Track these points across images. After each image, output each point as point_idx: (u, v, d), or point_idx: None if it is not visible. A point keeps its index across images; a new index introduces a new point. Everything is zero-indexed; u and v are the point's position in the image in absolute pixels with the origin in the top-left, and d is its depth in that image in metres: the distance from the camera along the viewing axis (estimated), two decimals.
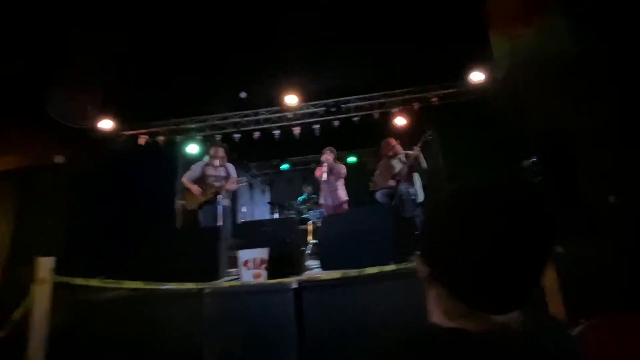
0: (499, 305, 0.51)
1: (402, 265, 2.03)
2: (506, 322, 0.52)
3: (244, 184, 4.00)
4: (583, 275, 2.29)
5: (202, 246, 2.72)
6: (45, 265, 2.08)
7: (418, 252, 0.60)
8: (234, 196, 6.31)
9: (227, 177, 4.00)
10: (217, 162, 3.96)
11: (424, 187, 4.23)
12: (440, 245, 0.55)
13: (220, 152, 4.04)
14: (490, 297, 0.51)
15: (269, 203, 7.91)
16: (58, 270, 2.09)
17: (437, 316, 0.57)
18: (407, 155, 4.18)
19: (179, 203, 5.51)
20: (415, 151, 4.01)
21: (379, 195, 4.25)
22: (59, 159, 4.36)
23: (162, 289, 2.18)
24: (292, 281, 2.08)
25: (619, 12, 3.32)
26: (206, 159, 4.12)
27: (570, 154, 3.74)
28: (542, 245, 0.52)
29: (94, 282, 2.15)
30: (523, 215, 0.51)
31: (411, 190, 3.96)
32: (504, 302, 0.51)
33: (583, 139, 3.65)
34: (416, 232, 3.90)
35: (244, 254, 2.40)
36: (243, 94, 5.25)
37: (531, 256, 0.51)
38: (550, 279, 1.89)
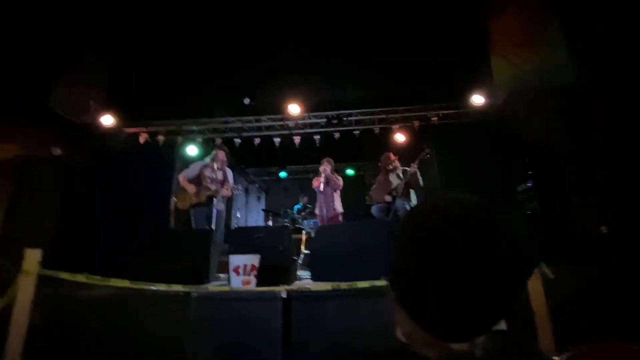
0: (456, 334, 0.48)
1: None
2: (468, 349, 0.48)
3: (239, 192, 3.97)
4: (573, 302, 2.29)
5: (193, 249, 2.69)
6: (32, 257, 2.04)
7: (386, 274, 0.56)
8: (228, 201, 6.29)
9: (223, 181, 3.97)
10: (217, 165, 3.93)
11: None
12: (399, 269, 0.52)
13: (222, 155, 4.02)
14: (447, 326, 0.48)
15: (263, 210, 7.88)
16: (45, 263, 2.06)
17: (401, 335, 0.54)
18: (404, 172, 4.22)
19: (174, 204, 5.48)
20: (413, 168, 4.04)
21: (374, 210, 4.26)
22: (56, 151, 4.34)
23: (150, 290, 2.14)
24: (282, 290, 2.05)
25: (616, 43, 3.43)
26: (207, 160, 4.10)
27: (565, 182, 3.79)
28: (505, 272, 0.46)
29: (80, 278, 2.11)
30: (483, 239, 0.46)
31: (407, 206, 3.97)
32: (462, 330, 0.48)
33: (578, 167, 3.71)
34: None
35: (234, 260, 2.38)
36: (247, 100, 5.29)
37: (492, 283, 0.46)
38: (539, 305, 1.89)
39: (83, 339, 2.26)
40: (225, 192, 3.89)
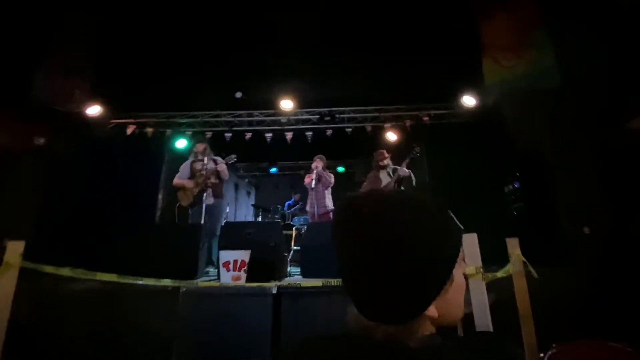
0: (385, 318, 0.52)
1: None
2: (400, 336, 0.51)
3: (233, 160, 4.00)
4: (556, 301, 2.36)
5: (181, 244, 2.66)
6: (14, 249, 1.98)
7: None
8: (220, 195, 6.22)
9: (215, 167, 4.02)
10: (199, 157, 4.02)
11: None
12: (338, 257, 0.56)
13: (201, 147, 4.08)
14: (372, 308, 0.52)
15: (253, 206, 7.83)
16: (27, 255, 1.99)
17: (349, 320, 0.58)
18: (394, 170, 4.25)
19: (162, 198, 5.39)
20: (404, 169, 4.06)
21: None
22: (39, 141, 4.20)
23: (137, 284, 2.11)
24: (272, 286, 2.05)
25: (602, 47, 3.52)
26: (191, 157, 4.15)
27: (550, 183, 3.89)
28: (422, 261, 0.50)
29: (65, 272, 2.06)
30: (397, 228, 0.50)
31: None
32: (389, 314, 0.51)
33: (563, 169, 3.82)
34: None
35: (224, 255, 2.36)
36: (238, 94, 5.22)
37: (409, 273, 0.49)
38: (523, 303, 1.94)
39: (67, 334, 2.21)
40: (221, 166, 3.95)
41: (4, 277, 1.92)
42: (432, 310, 0.52)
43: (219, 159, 4.11)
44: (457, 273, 0.56)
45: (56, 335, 2.22)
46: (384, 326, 0.52)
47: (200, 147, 4.09)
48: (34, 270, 2.01)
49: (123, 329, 2.15)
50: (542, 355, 1.08)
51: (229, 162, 4.02)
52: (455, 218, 0.57)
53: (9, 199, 3.66)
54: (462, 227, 0.58)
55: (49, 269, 2.03)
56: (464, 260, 0.60)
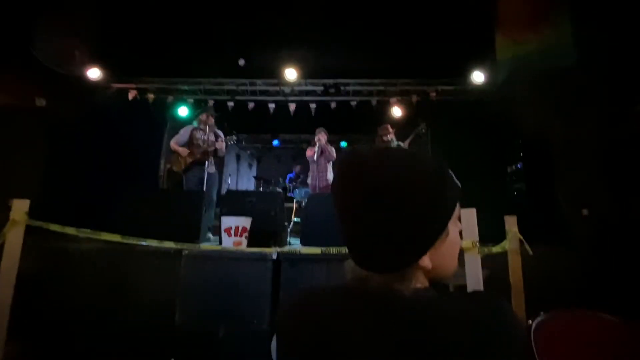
0: (378, 263, 0.53)
1: None
2: (394, 285, 0.53)
3: (234, 141, 4.00)
4: (548, 279, 2.42)
5: (185, 209, 2.70)
6: (20, 207, 2.02)
7: None
8: (220, 166, 6.24)
9: (215, 140, 4.01)
10: (202, 126, 3.99)
11: None
12: (336, 209, 0.58)
13: (211, 120, 4.04)
14: (366, 256, 0.54)
15: (255, 177, 7.86)
16: (32, 215, 2.03)
17: (346, 272, 0.60)
18: (398, 146, 4.22)
19: (163, 164, 5.40)
20: (406, 145, 4.04)
21: None
22: (40, 102, 4.15)
23: (141, 245, 2.16)
24: (272, 252, 2.10)
25: (620, 31, 3.38)
26: (195, 124, 4.09)
27: (552, 164, 3.87)
28: (418, 207, 0.51)
29: (70, 230, 2.11)
30: (386, 183, 0.51)
31: None
32: (382, 260, 0.53)
33: (567, 152, 3.78)
34: None
35: (226, 221, 2.40)
36: (242, 61, 5.08)
37: (403, 221, 0.51)
38: (516, 278, 1.99)
39: (72, 291, 2.30)
40: (220, 144, 3.94)
41: (11, 233, 1.97)
42: (425, 261, 0.53)
43: (220, 134, 4.07)
44: (452, 229, 0.57)
45: (61, 292, 2.30)
46: (378, 275, 0.54)
47: (204, 116, 4.03)
48: (39, 228, 2.06)
49: (127, 287, 2.23)
50: (530, 321, 1.13)
51: (230, 143, 4.02)
52: (454, 177, 0.58)
53: (13, 160, 3.67)
54: (459, 185, 0.59)
55: (54, 227, 2.07)
56: (459, 219, 0.61)
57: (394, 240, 0.52)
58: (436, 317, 0.49)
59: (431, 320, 0.49)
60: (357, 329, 0.50)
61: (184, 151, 3.86)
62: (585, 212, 3.37)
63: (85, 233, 2.10)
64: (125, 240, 2.09)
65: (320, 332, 0.52)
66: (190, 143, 3.92)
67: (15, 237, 1.97)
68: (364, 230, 0.52)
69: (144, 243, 2.10)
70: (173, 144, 3.96)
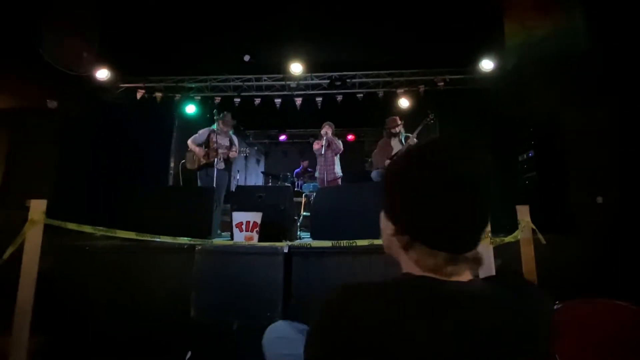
0: (456, 244, 0.57)
1: None
2: (471, 277, 0.59)
3: (247, 154, 4.13)
4: (559, 266, 2.39)
5: (196, 205, 2.73)
6: (38, 206, 2.07)
7: (392, 225, 0.63)
8: (228, 162, 6.28)
9: (230, 146, 4.13)
10: (225, 131, 4.11)
11: None
12: (402, 199, 0.60)
13: (229, 126, 4.16)
14: (447, 237, 0.57)
15: (263, 173, 7.90)
16: (49, 214, 2.08)
17: (408, 268, 0.62)
18: (407, 138, 4.19)
19: (173, 162, 5.47)
20: (413, 139, 4.00)
21: (374, 175, 4.28)
22: (52, 104, 4.22)
23: (155, 242, 2.20)
24: (284, 246, 2.12)
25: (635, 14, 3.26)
26: (214, 127, 4.18)
27: (565, 152, 3.78)
28: (479, 193, 0.56)
29: (87, 229, 2.16)
30: (466, 165, 0.56)
31: None
32: (459, 241, 0.57)
33: (579, 140, 3.69)
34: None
35: (237, 216, 2.43)
36: (247, 57, 5.08)
37: (472, 201, 0.55)
38: (529, 268, 1.97)
39: (90, 288, 2.36)
40: (233, 154, 4.07)
41: (30, 232, 2.03)
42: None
43: (235, 141, 4.19)
44: None
45: (80, 288, 2.37)
46: (452, 258, 0.57)
47: (223, 124, 4.10)
48: (57, 227, 2.12)
49: (143, 282, 2.28)
50: None
51: (243, 155, 4.10)
52: None
53: (27, 161, 3.77)
54: None
55: (71, 225, 2.12)
56: None
57: (478, 223, 0.58)
58: (502, 310, 0.54)
59: (499, 314, 0.53)
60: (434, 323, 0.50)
61: (200, 151, 4.01)
62: (600, 199, 3.30)
63: (101, 231, 2.15)
64: (140, 237, 2.13)
65: (390, 327, 0.50)
66: (207, 145, 4.07)
67: (34, 236, 2.02)
68: (455, 212, 0.55)
69: (158, 240, 2.14)
70: (191, 142, 4.11)
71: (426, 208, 0.56)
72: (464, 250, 0.58)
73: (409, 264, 0.61)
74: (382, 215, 0.67)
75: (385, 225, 0.65)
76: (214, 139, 4.00)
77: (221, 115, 4.11)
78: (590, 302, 1.10)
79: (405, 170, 0.61)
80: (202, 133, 4.12)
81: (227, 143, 4.11)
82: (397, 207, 0.62)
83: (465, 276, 0.59)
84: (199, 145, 4.06)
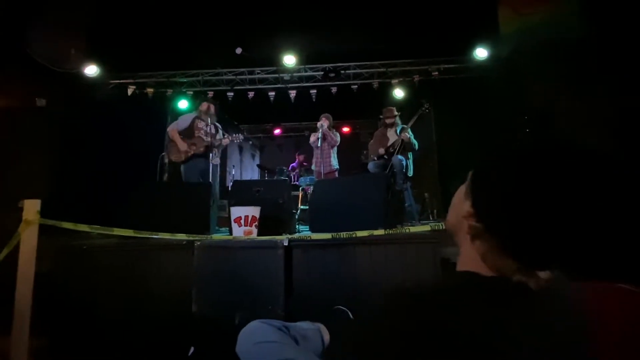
0: (544, 262, 0.51)
1: (392, 231, 2.09)
2: (546, 281, 0.52)
3: (240, 140, 3.98)
4: None
5: (193, 201, 2.70)
6: (31, 206, 2.04)
7: (469, 207, 0.57)
8: (223, 157, 6.23)
9: (215, 134, 3.91)
10: (203, 116, 3.88)
11: (414, 162, 4.26)
12: (500, 200, 0.52)
13: (212, 109, 3.94)
14: (540, 254, 0.50)
15: (258, 166, 7.87)
16: (43, 214, 2.05)
17: (477, 267, 0.55)
18: (402, 130, 4.17)
19: (167, 158, 5.41)
20: (406, 136, 3.98)
21: (371, 166, 4.27)
22: (40, 102, 4.14)
23: (153, 239, 2.19)
24: (283, 239, 2.11)
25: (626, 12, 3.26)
26: (195, 112, 4.01)
27: (560, 140, 3.80)
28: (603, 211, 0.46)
29: (83, 228, 2.13)
30: (594, 182, 0.47)
31: (404, 162, 3.98)
32: (548, 259, 0.50)
33: (574, 127, 3.71)
34: (406, 204, 3.99)
35: (235, 211, 2.41)
36: (239, 50, 5.00)
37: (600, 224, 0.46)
38: None
39: (89, 287, 2.34)
40: (226, 141, 3.88)
41: (25, 233, 2.00)
42: None
43: (219, 126, 3.98)
44: None
45: (79, 287, 2.34)
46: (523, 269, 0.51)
47: (204, 106, 3.94)
48: (53, 227, 2.09)
49: (143, 280, 2.26)
50: None
51: (235, 142, 3.96)
52: None
53: (18, 161, 3.69)
54: None
55: (67, 224, 2.09)
56: None
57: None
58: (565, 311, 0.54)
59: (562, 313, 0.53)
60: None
61: (182, 145, 3.74)
62: None
63: (97, 229, 2.12)
64: (138, 235, 2.11)
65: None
66: (190, 133, 3.82)
67: (29, 237, 2.00)
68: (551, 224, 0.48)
69: (156, 236, 2.12)
70: (173, 131, 3.80)
71: (524, 214, 0.49)
72: (547, 268, 0.52)
73: (471, 256, 0.55)
74: (463, 189, 0.60)
75: (461, 201, 0.59)
76: (199, 126, 3.80)
77: (203, 105, 3.94)
78: (593, 286, 1.11)
79: (525, 166, 0.52)
80: (185, 118, 3.86)
81: (212, 130, 3.85)
82: (489, 196, 0.54)
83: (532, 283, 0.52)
84: (182, 132, 3.79)
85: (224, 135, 4.03)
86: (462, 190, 0.61)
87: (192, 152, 3.75)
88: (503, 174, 0.54)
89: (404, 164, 3.96)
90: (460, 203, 0.59)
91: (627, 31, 3.36)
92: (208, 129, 3.83)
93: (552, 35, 3.97)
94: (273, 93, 5.69)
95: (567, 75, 3.83)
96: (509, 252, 0.51)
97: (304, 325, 1.30)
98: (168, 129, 3.89)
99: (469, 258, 0.56)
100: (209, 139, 3.78)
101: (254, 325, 1.10)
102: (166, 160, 4.22)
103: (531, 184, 0.49)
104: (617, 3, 3.42)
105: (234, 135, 3.94)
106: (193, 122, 3.85)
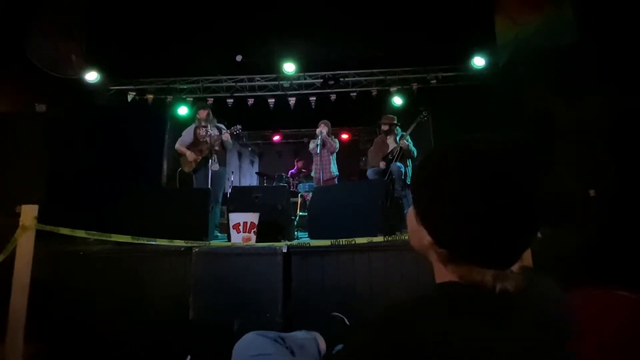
0: (498, 259, 0.52)
1: (391, 238, 2.09)
2: (511, 283, 0.52)
3: (238, 131, 4.00)
4: (555, 258, 2.42)
5: (191, 207, 2.70)
6: (29, 212, 2.03)
7: (427, 234, 0.57)
8: (223, 164, 6.23)
9: (219, 135, 4.00)
10: (203, 123, 3.98)
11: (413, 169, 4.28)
12: (438, 207, 0.54)
13: (203, 113, 4.02)
14: (489, 251, 0.51)
15: (257, 173, 7.86)
16: (41, 220, 2.04)
17: (445, 277, 0.56)
18: (401, 137, 4.19)
19: (166, 164, 5.41)
20: (405, 144, 4.01)
21: (370, 173, 4.28)
22: (40, 108, 4.14)
23: (151, 245, 2.17)
24: (282, 245, 2.10)
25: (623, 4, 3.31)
26: (194, 123, 4.10)
27: (557, 147, 3.83)
28: (533, 201, 0.51)
29: (80, 233, 2.12)
30: (514, 170, 0.51)
31: (403, 170, 3.99)
32: (501, 255, 0.52)
33: (572, 133, 3.74)
34: (405, 212, 3.99)
35: (234, 217, 2.40)
36: (239, 57, 5.05)
37: (524, 210, 0.50)
38: (525, 260, 1.99)
39: (86, 293, 2.31)
40: (226, 135, 3.93)
41: (21, 239, 1.98)
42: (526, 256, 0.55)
43: (222, 127, 4.07)
44: None
45: (75, 293, 2.32)
46: (492, 272, 0.51)
47: (202, 113, 4.03)
48: (50, 233, 2.07)
49: (140, 286, 2.24)
50: None
51: (235, 133, 4.00)
52: None
53: (16, 166, 3.68)
54: None
55: (64, 230, 2.08)
56: None
57: (526, 232, 0.52)
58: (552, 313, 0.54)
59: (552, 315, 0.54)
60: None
61: (190, 155, 3.90)
62: (592, 192, 3.35)
63: (94, 235, 2.11)
64: (135, 241, 2.10)
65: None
66: (195, 142, 3.96)
67: (26, 242, 1.98)
68: (497, 225, 0.50)
69: (154, 242, 2.11)
70: (179, 146, 4.00)
71: (468, 220, 0.50)
72: (511, 265, 0.52)
73: (449, 276, 0.56)
74: (411, 214, 0.61)
75: (417, 229, 0.59)
76: (201, 134, 3.92)
77: (197, 113, 4.04)
78: (588, 292, 1.11)
79: (442, 172, 0.54)
80: (187, 133, 4.01)
81: (216, 132, 3.98)
82: (433, 217, 0.55)
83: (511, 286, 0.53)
84: (188, 145, 3.95)
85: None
86: (411, 213, 0.62)
87: (201, 157, 3.89)
88: (424, 191, 0.57)
89: (403, 171, 3.97)
90: (416, 229, 0.60)
91: (623, 37, 3.41)
92: (210, 132, 3.96)
93: (549, 43, 4.03)
94: (272, 100, 5.72)
95: (564, 82, 3.87)
96: (477, 263, 0.52)
97: (300, 335, 1.29)
98: (176, 146, 4.06)
99: (446, 276, 0.57)
100: (212, 141, 3.91)
101: (249, 337, 1.08)
102: (179, 170, 4.30)
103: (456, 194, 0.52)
104: (613, 10, 3.48)
105: (232, 127, 3.98)
106: (195, 132, 3.99)
